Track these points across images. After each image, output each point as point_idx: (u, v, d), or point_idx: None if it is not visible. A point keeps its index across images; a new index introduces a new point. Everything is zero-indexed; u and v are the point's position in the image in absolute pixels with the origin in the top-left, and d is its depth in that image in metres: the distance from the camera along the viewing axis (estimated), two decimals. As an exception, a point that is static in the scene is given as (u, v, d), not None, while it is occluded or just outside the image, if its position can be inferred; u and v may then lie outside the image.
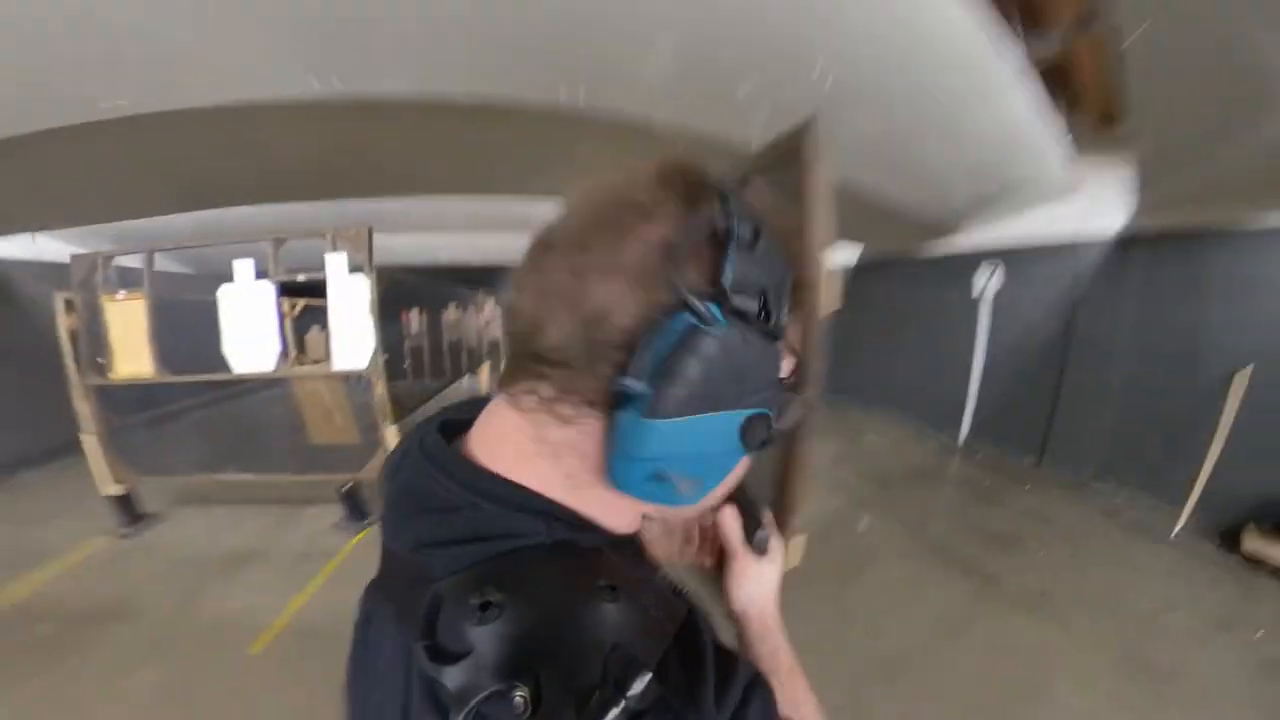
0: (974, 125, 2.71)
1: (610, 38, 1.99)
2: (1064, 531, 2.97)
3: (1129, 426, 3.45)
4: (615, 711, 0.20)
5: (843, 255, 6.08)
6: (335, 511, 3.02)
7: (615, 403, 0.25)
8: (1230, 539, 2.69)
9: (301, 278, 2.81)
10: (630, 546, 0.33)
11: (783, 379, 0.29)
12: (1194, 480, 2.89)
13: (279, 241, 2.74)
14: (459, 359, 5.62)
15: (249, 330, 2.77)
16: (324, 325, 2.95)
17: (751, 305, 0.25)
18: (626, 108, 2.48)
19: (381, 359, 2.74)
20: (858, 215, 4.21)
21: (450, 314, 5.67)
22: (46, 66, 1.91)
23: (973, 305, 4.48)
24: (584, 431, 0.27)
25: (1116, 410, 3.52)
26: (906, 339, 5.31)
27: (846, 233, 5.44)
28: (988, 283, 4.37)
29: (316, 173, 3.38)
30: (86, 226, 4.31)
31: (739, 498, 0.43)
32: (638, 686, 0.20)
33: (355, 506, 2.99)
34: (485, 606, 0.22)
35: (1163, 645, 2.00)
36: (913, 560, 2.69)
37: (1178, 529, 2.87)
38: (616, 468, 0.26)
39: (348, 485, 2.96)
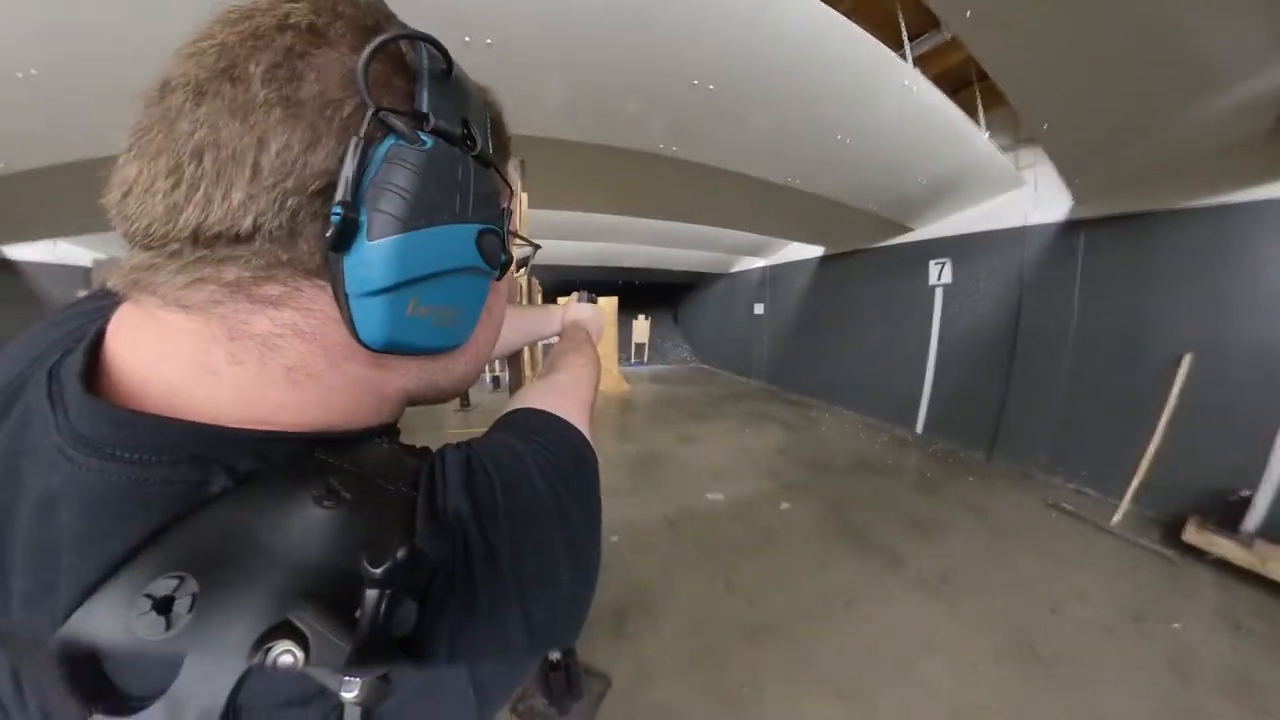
0: (878, 121, 2.69)
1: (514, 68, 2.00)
2: (995, 522, 2.81)
3: (1075, 417, 3.30)
4: (387, 602, 0.18)
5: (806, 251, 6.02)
6: None
7: (337, 249, 0.22)
8: (1173, 531, 2.52)
9: None
10: (386, 437, 0.28)
11: (504, 208, 0.30)
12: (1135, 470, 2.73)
13: None
14: None
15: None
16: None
17: (454, 130, 0.24)
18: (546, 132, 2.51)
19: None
20: (810, 214, 4.18)
21: None
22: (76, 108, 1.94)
23: (928, 296, 4.36)
24: (303, 306, 0.23)
25: (1063, 401, 3.37)
26: (865, 331, 5.19)
27: (801, 232, 5.39)
28: (941, 273, 4.26)
29: None
30: (108, 233, 4.43)
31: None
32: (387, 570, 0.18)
33: None
34: (167, 604, 0.18)
35: (1060, 633, 1.85)
36: (822, 542, 2.57)
37: (1116, 519, 2.71)
38: (362, 318, 0.23)
39: None
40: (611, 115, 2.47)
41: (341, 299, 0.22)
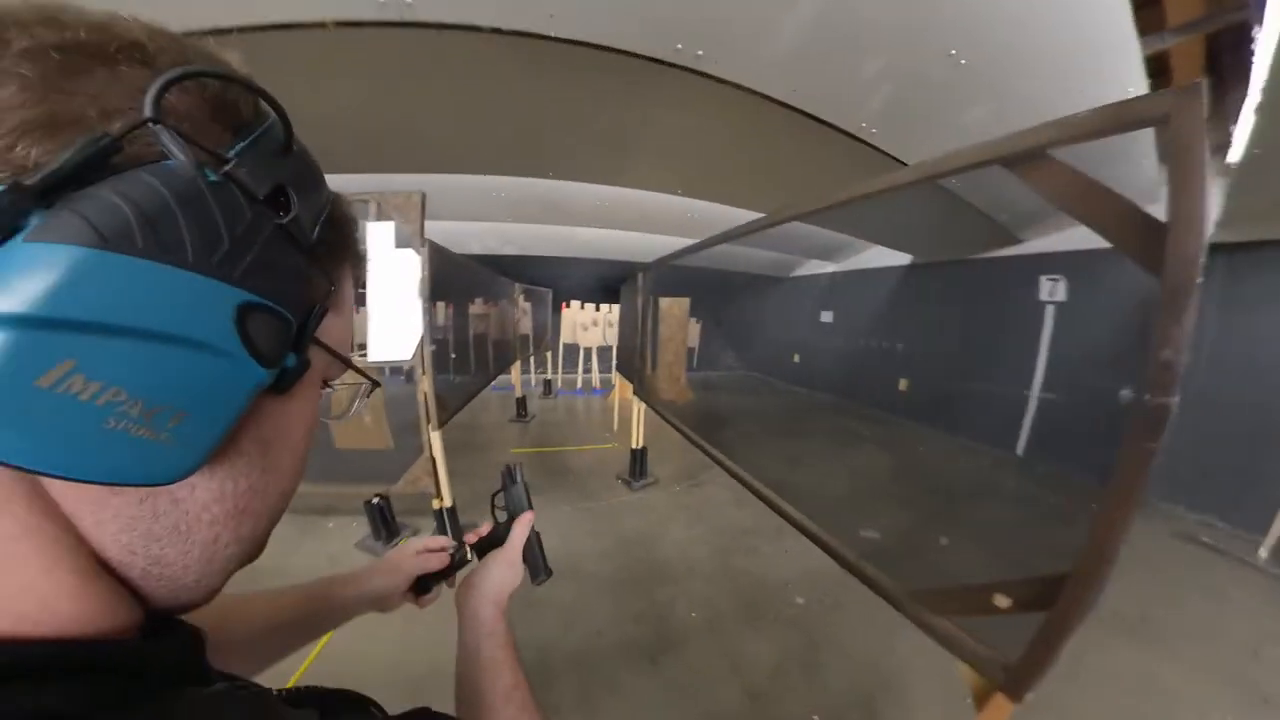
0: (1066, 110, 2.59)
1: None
2: (1139, 554, 2.85)
3: (1202, 446, 3.33)
4: None
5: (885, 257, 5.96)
6: (360, 527, 2.76)
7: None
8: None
9: None
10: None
11: (318, 304, 0.23)
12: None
13: None
14: (485, 354, 5.52)
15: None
16: (359, 307, 2.87)
17: (260, 188, 0.19)
18: (739, 74, 2.32)
19: (429, 349, 2.40)
20: (922, 217, 4.09)
21: (477, 306, 5.57)
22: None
23: (1036, 313, 4.36)
24: None
25: (1189, 429, 3.40)
26: (958, 347, 5.18)
27: (891, 235, 5.32)
28: (1054, 290, 4.25)
29: (348, 132, 2.95)
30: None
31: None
32: None
33: (383, 523, 2.68)
34: None
35: (1276, 678, 1.89)
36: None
37: (1263, 554, 2.76)
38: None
39: (376, 498, 2.64)
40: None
41: None
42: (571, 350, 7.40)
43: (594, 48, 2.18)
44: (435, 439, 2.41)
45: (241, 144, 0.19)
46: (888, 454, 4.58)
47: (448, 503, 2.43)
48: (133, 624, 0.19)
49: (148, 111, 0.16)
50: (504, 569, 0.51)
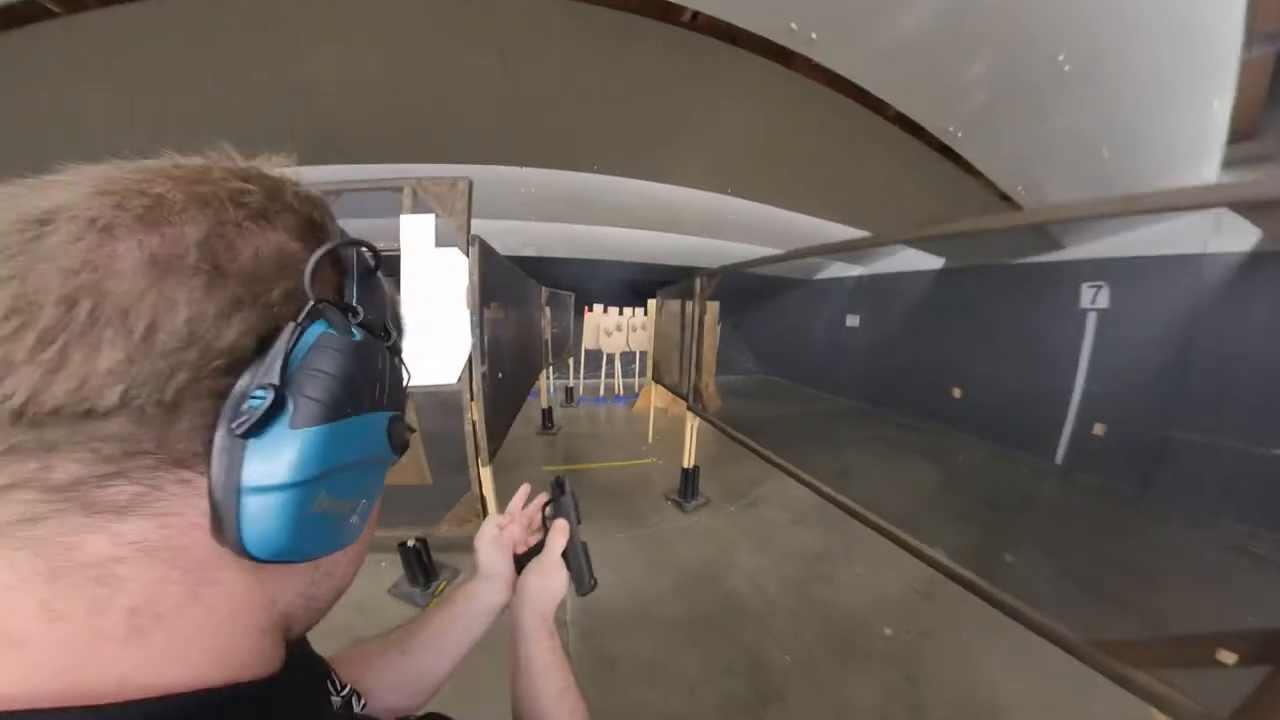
0: (1162, 129, 2.45)
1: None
2: (1199, 567, 2.78)
3: (1254, 457, 3.26)
4: None
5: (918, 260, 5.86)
6: (394, 571, 2.45)
7: (250, 434, 0.19)
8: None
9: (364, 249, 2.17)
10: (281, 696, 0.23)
11: (407, 394, 0.30)
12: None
13: (328, 195, 1.82)
14: (525, 367, 5.28)
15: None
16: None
17: (377, 323, 0.27)
18: (843, 63, 2.14)
19: (480, 371, 1.99)
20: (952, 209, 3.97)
21: (515, 313, 5.34)
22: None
23: (1077, 320, 4.28)
24: (160, 512, 0.19)
25: (1239, 440, 3.34)
26: (994, 353, 5.10)
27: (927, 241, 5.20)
28: (1095, 297, 4.17)
29: (358, 111, 2.55)
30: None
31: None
32: None
33: (420, 567, 2.37)
34: None
35: None
36: (1078, 603, 2.48)
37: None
38: (255, 520, 0.19)
39: (413, 541, 2.34)
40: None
41: (226, 496, 0.19)
42: (593, 356, 7.20)
43: (664, 22, 1.95)
44: (486, 475, 2.06)
45: (354, 287, 0.26)
46: (932, 464, 4.49)
47: None
48: (281, 656, 0.25)
49: (308, 292, 0.22)
50: (540, 577, 0.52)
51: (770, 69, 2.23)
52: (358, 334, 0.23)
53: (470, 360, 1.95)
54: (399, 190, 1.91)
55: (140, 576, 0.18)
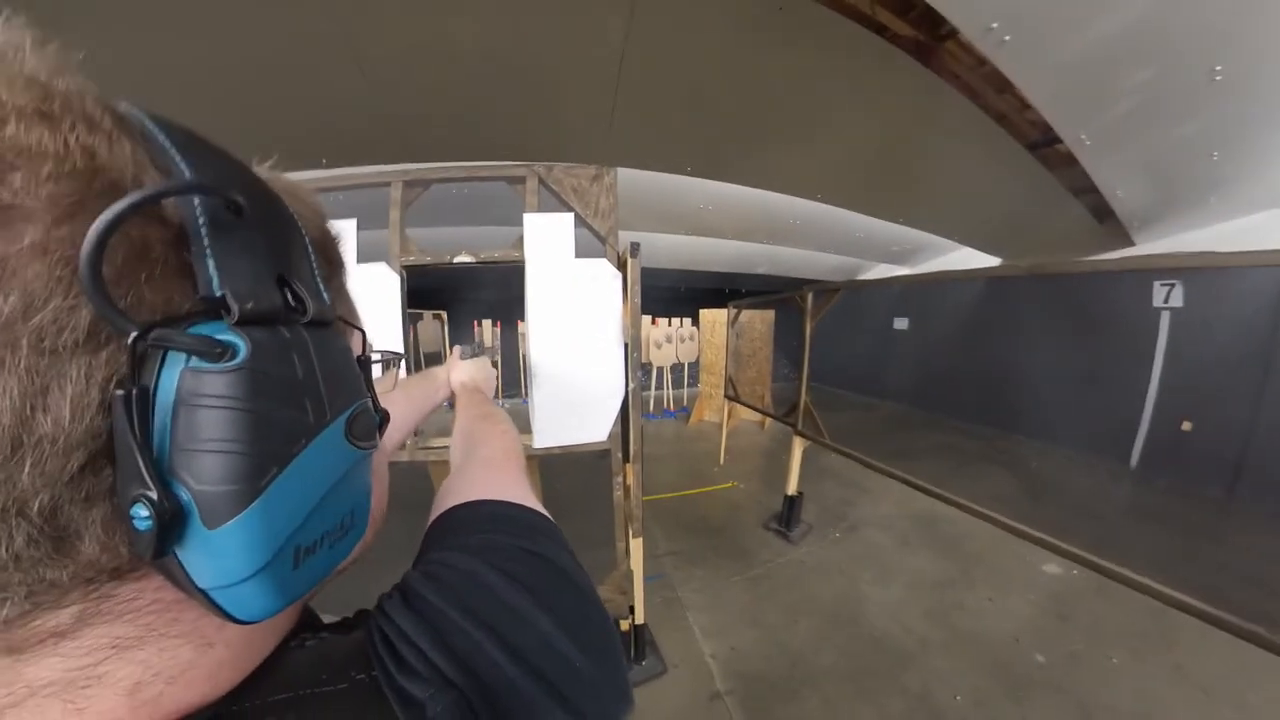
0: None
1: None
2: None
3: None
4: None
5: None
6: None
7: (159, 555, 0.15)
8: None
9: (466, 259, 1.47)
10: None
11: (359, 357, 0.24)
12: None
13: (414, 187, 1.47)
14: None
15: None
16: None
17: (272, 300, 0.17)
18: (1019, 68, 2.10)
19: (639, 426, 1.63)
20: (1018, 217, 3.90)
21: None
22: None
23: (1150, 320, 4.26)
24: (123, 611, 0.16)
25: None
26: (1058, 354, 5.08)
27: (984, 235, 5.16)
28: (1169, 296, 4.15)
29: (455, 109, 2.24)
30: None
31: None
32: None
33: None
34: None
35: None
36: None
37: None
38: (236, 605, 0.17)
39: None
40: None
41: (193, 596, 0.16)
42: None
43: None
44: (636, 548, 1.74)
45: (208, 261, 0.16)
46: (1009, 472, 4.49)
47: (640, 619, 1.99)
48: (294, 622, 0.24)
49: (118, 321, 0.14)
50: (481, 367, 0.83)
51: (910, 69, 2.15)
52: (241, 344, 0.16)
53: (625, 407, 1.53)
54: (520, 181, 1.44)
55: (128, 665, 0.16)
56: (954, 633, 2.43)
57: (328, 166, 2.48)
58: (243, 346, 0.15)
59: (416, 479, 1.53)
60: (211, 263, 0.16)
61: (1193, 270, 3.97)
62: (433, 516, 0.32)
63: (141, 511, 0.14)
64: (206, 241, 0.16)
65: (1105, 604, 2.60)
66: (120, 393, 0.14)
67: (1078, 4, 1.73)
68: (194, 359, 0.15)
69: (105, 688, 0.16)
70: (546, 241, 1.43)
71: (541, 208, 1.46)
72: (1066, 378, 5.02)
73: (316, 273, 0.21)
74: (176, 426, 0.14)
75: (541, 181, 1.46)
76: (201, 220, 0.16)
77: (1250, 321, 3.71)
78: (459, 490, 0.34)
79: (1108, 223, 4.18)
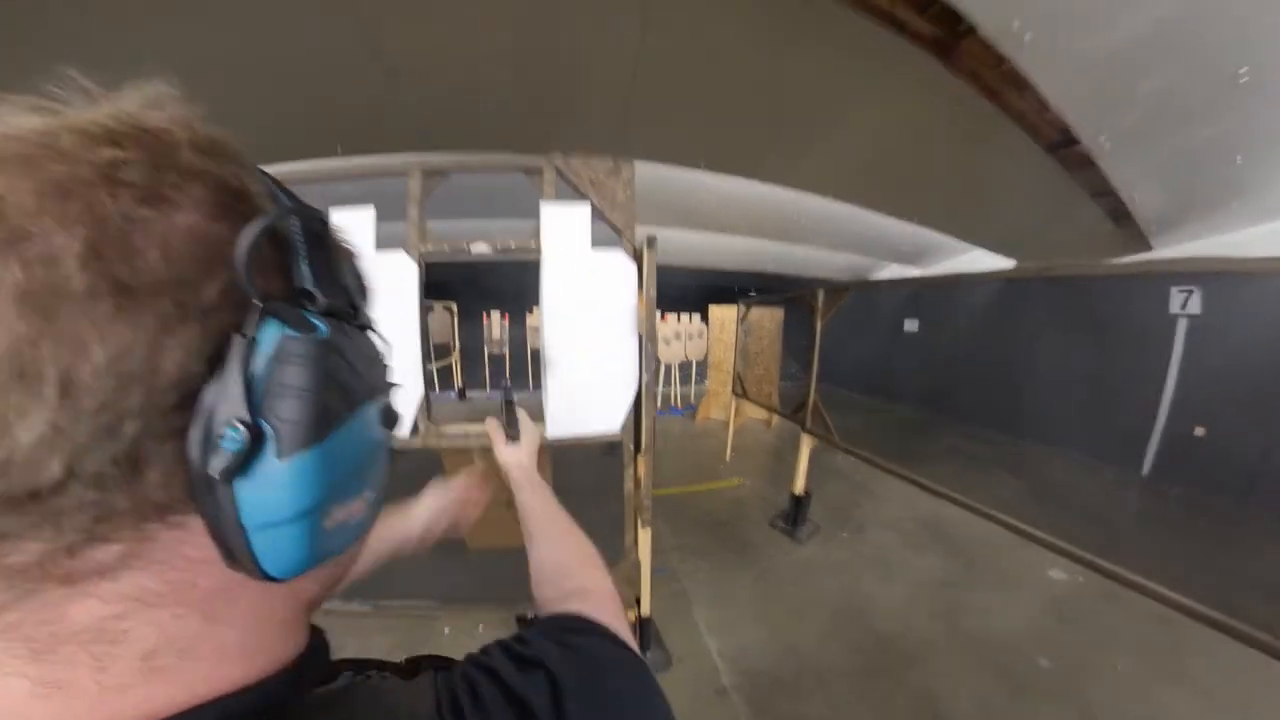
0: None
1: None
2: None
3: None
4: None
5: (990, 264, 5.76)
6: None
7: (231, 476, 0.17)
8: None
9: (483, 249, 1.46)
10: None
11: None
12: None
13: (432, 176, 1.45)
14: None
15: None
16: (486, 343, 2.05)
17: (339, 300, 0.23)
18: (1037, 68, 2.06)
19: (652, 418, 1.63)
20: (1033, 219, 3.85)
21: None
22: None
23: (1166, 326, 4.20)
24: (155, 560, 0.18)
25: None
26: (1071, 359, 5.03)
27: (999, 237, 5.11)
28: (1186, 302, 4.09)
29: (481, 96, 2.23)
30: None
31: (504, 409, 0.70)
32: None
33: None
34: None
35: None
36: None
37: None
38: (270, 552, 0.19)
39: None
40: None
41: (231, 536, 0.18)
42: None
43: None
44: (645, 540, 1.78)
45: (304, 265, 0.21)
46: (1019, 479, 4.45)
47: (646, 612, 2.01)
48: (306, 632, 0.26)
49: (250, 292, 0.18)
50: (532, 439, 0.70)
51: (926, 64, 2.13)
52: (323, 326, 0.20)
53: (639, 400, 1.55)
54: (537, 172, 1.45)
55: (147, 625, 0.18)
56: (960, 634, 2.44)
57: (344, 155, 2.51)
58: (324, 328, 0.20)
59: (430, 466, 1.57)
60: (306, 266, 0.21)
61: (1212, 276, 3.91)
62: (553, 601, 0.40)
63: (234, 433, 0.17)
64: (303, 251, 0.21)
65: (1110, 610, 2.58)
66: (242, 337, 0.18)
67: (1100, 3, 1.72)
68: (293, 331, 0.19)
69: (125, 647, 0.17)
70: (563, 231, 1.45)
71: (558, 200, 1.47)
72: (1078, 383, 4.97)
73: (360, 289, 0.26)
74: (270, 376, 0.18)
75: (559, 173, 1.47)
76: (299, 236, 0.21)
77: (1271, 329, 3.64)
78: (593, 606, 0.37)
79: (1125, 226, 4.12)
